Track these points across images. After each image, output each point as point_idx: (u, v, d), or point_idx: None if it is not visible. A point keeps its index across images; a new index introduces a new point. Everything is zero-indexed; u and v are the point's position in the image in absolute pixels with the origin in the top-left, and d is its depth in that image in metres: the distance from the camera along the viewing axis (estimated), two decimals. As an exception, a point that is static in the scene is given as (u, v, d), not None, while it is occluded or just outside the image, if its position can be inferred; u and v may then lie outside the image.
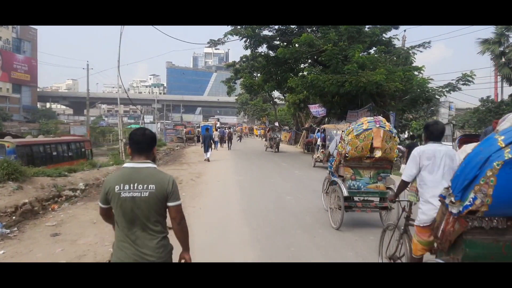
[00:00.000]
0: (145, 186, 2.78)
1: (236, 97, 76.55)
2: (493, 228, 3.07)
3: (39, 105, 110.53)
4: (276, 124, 55.82)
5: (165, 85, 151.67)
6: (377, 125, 7.34)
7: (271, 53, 27.84)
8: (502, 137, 2.79)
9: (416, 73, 22.49)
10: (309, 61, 28.06)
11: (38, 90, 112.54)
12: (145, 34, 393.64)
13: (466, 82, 20.91)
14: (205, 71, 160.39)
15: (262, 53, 28.08)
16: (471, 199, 2.91)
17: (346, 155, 7.65)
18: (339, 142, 8.20)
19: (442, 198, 3.29)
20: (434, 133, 4.40)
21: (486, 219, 3.05)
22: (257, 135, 58.17)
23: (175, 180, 2.97)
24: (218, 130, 39.98)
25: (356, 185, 7.86)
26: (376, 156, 7.45)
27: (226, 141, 33.39)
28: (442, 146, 4.30)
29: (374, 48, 25.07)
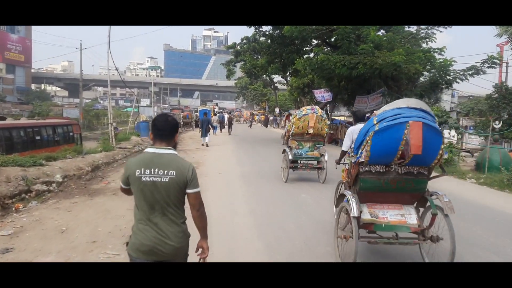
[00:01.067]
0: (165, 171, 2.82)
1: (236, 81, 74.27)
2: (376, 171, 4.87)
3: (33, 86, 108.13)
4: (277, 109, 53.99)
5: (162, 68, 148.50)
6: (312, 111, 10.68)
7: (277, 32, 25.55)
8: (376, 118, 4.69)
9: (436, 55, 20.51)
10: (317, 42, 25.93)
11: (32, 71, 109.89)
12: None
13: (492, 65, 18.88)
14: (203, 54, 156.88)
15: (267, 32, 25.71)
16: (360, 154, 4.82)
17: (292, 132, 10.88)
18: (288, 123, 11.65)
19: (348, 154, 6.18)
20: (359, 117, 6.65)
21: (371, 166, 4.85)
22: (255, 121, 55.55)
23: (194, 167, 2.99)
24: (217, 114, 39.66)
25: (299, 153, 11.14)
26: (310, 132, 10.65)
27: (226, 126, 32.75)
28: (362, 125, 5.47)
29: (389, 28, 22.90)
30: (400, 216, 5.09)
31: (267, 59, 26.07)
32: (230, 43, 72.97)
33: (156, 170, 2.80)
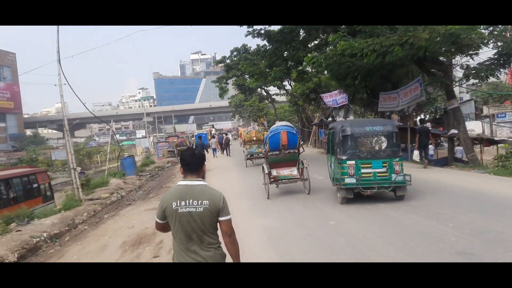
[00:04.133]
0: (199, 201, 2.90)
1: (229, 100, 69.06)
2: (274, 153, 11.04)
3: (29, 131, 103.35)
4: (278, 123, 48.58)
5: (154, 97, 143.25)
6: (252, 128, 21.27)
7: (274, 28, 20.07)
8: (269, 132, 11.81)
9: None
10: (322, 37, 20.60)
11: (27, 116, 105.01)
12: (129, 46, 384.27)
13: None
14: (193, 78, 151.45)
15: (261, 30, 19.83)
16: (266, 147, 11.22)
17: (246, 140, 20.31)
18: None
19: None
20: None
21: (271, 151, 11.02)
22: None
23: (224, 196, 3.05)
24: (217, 136, 36.20)
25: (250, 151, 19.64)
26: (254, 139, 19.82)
27: (223, 148, 31.07)
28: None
29: None
30: (290, 171, 11.20)
31: (267, 63, 20.45)
32: (218, 65, 67.79)
33: (191, 201, 2.90)
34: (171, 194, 3.02)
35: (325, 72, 29.37)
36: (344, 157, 8.77)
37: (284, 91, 40.85)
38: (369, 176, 8.70)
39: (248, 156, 19.60)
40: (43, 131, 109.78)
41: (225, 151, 30.70)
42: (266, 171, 10.66)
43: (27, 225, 9.84)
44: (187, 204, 2.88)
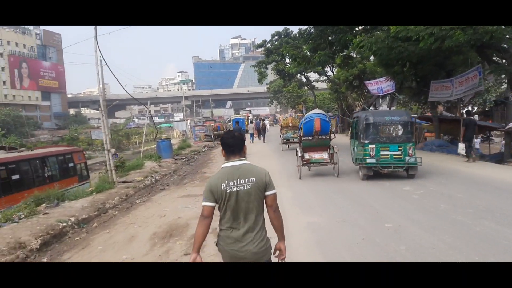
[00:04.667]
0: (247, 179, 2.97)
1: (268, 86, 67.86)
2: (308, 139, 11.75)
3: (73, 111, 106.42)
4: (317, 110, 47.13)
5: (193, 81, 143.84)
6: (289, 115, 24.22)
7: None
8: (304, 119, 12.45)
9: None
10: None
11: (71, 96, 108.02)
12: (170, 32, 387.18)
13: None
14: (232, 62, 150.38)
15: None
16: (299, 132, 12.14)
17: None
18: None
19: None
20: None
21: (305, 136, 11.77)
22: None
23: (269, 172, 3.10)
24: (254, 122, 35.57)
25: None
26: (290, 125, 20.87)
27: (259, 134, 30.79)
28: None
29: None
30: (321, 155, 11.90)
31: (311, 46, 19.17)
32: (258, 49, 66.35)
33: (239, 180, 2.96)
34: (218, 176, 3.03)
35: (371, 58, 27.84)
36: (366, 141, 10.61)
37: (325, 78, 39.29)
38: (386, 157, 10.48)
39: (284, 140, 20.82)
40: (85, 111, 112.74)
41: (261, 137, 30.46)
42: (300, 154, 11.67)
43: (56, 207, 9.38)
44: (235, 183, 2.94)
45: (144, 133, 22.69)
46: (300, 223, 6.76)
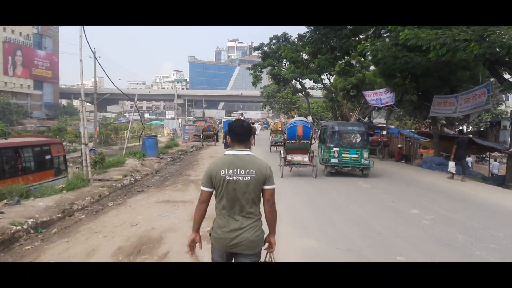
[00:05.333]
0: (247, 171, 2.92)
1: (262, 90, 66.83)
2: (291, 142, 13.16)
3: (64, 102, 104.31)
4: (309, 118, 46.07)
5: (188, 80, 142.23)
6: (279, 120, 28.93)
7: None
8: (288, 124, 14.20)
9: None
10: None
11: (63, 87, 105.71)
12: (168, 31, 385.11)
13: None
14: (228, 65, 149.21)
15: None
16: (285, 136, 13.63)
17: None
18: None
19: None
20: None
21: (289, 140, 13.22)
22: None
23: (270, 166, 3.06)
24: None
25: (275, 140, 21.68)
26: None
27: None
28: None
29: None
30: (302, 158, 12.92)
31: (311, 50, 18.04)
32: (254, 54, 64.74)
33: (239, 170, 2.92)
34: (219, 162, 3.01)
35: (372, 67, 26.82)
36: (331, 145, 13.19)
37: (321, 85, 38.33)
38: (347, 159, 13.08)
39: (273, 143, 22.07)
40: (77, 103, 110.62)
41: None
42: (283, 155, 12.97)
43: (16, 205, 8.09)
44: (235, 172, 2.92)
45: (129, 128, 21.32)
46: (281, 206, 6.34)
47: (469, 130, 33.64)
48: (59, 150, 16.67)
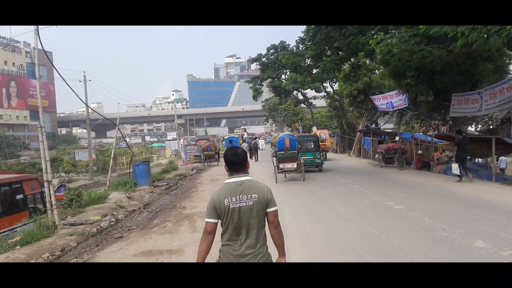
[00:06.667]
0: (249, 196, 2.97)
1: (263, 103, 65.02)
2: (281, 152, 15.20)
3: (64, 131, 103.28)
4: (314, 129, 44.03)
5: (187, 99, 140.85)
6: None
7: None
8: (278, 138, 17.04)
9: None
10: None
11: (63, 115, 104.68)
12: (165, 51, 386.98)
13: None
14: (227, 81, 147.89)
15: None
16: (275, 148, 15.84)
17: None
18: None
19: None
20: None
21: (279, 151, 15.28)
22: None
23: (270, 189, 3.11)
24: (246, 141, 32.76)
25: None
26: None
27: (251, 153, 28.37)
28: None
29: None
30: (291, 165, 15.22)
31: (314, 52, 16.01)
32: (252, 67, 62.97)
33: (241, 196, 2.96)
34: (221, 191, 3.02)
35: (376, 71, 24.80)
36: None
37: (325, 93, 36.36)
38: (306, 159, 17.53)
39: (274, 154, 23.65)
40: (78, 131, 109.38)
41: (253, 156, 27.95)
42: (275, 164, 15.62)
43: None
44: (238, 199, 2.94)
45: (112, 156, 19.25)
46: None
47: (478, 129, 31.55)
48: (34, 187, 14.68)
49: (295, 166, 15.19)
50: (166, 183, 18.45)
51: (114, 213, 10.89)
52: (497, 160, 18.42)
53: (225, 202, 2.91)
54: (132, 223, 10.06)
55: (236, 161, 3.05)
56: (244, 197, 2.93)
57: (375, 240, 6.45)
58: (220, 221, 2.99)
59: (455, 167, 13.10)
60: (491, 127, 30.88)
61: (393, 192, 11.35)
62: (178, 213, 10.74)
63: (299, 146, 15.90)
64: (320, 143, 23.04)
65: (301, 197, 11.57)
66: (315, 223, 8.06)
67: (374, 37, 12.27)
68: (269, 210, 3.00)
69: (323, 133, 26.51)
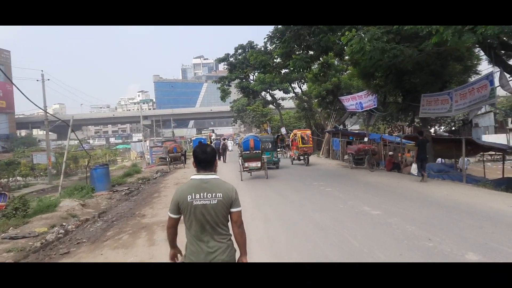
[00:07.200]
0: (214, 194, 2.97)
1: (231, 104, 64.15)
2: (246, 152, 16.71)
3: (24, 132, 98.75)
4: (283, 130, 43.57)
5: (154, 100, 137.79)
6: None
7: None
8: (242, 139, 20.48)
9: None
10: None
11: (22, 116, 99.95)
12: (131, 51, 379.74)
13: None
14: (195, 82, 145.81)
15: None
16: (241, 148, 17.50)
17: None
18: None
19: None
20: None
21: (244, 151, 16.64)
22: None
23: (236, 189, 3.13)
24: (214, 142, 32.73)
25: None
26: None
27: (220, 154, 27.66)
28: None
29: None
30: (256, 164, 16.63)
31: (283, 50, 15.32)
32: (220, 68, 62.15)
33: (205, 194, 2.96)
34: (185, 187, 3.04)
35: (350, 67, 24.44)
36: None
37: (293, 94, 35.93)
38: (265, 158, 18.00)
39: (240, 154, 24.60)
40: (39, 132, 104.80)
41: (222, 157, 27.51)
42: (241, 163, 16.58)
43: None
44: (202, 197, 2.95)
45: (65, 159, 17.90)
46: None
47: (441, 130, 32.03)
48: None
49: (259, 165, 16.61)
50: (127, 188, 17.28)
51: (64, 224, 9.76)
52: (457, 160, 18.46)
53: (188, 199, 2.93)
54: (83, 235, 8.99)
55: (205, 159, 3.08)
56: (209, 195, 2.94)
57: (357, 253, 5.78)
58: (183, 218, 3.02)
59: (413, 167, 13.82)
60: (453, 128, 31.44)
61: (368, 196, 10.80)
62: (137, 222, 9.77)
63: (263, 146, 17.44)
64: (302, 145, 22.27)
65: (273, 203, 10.78)
66: (288, 233, 7.31)
67: (346, 33, 11.68)
68: (233, 210, 3.03)
69: (305, 134, 23.12)
